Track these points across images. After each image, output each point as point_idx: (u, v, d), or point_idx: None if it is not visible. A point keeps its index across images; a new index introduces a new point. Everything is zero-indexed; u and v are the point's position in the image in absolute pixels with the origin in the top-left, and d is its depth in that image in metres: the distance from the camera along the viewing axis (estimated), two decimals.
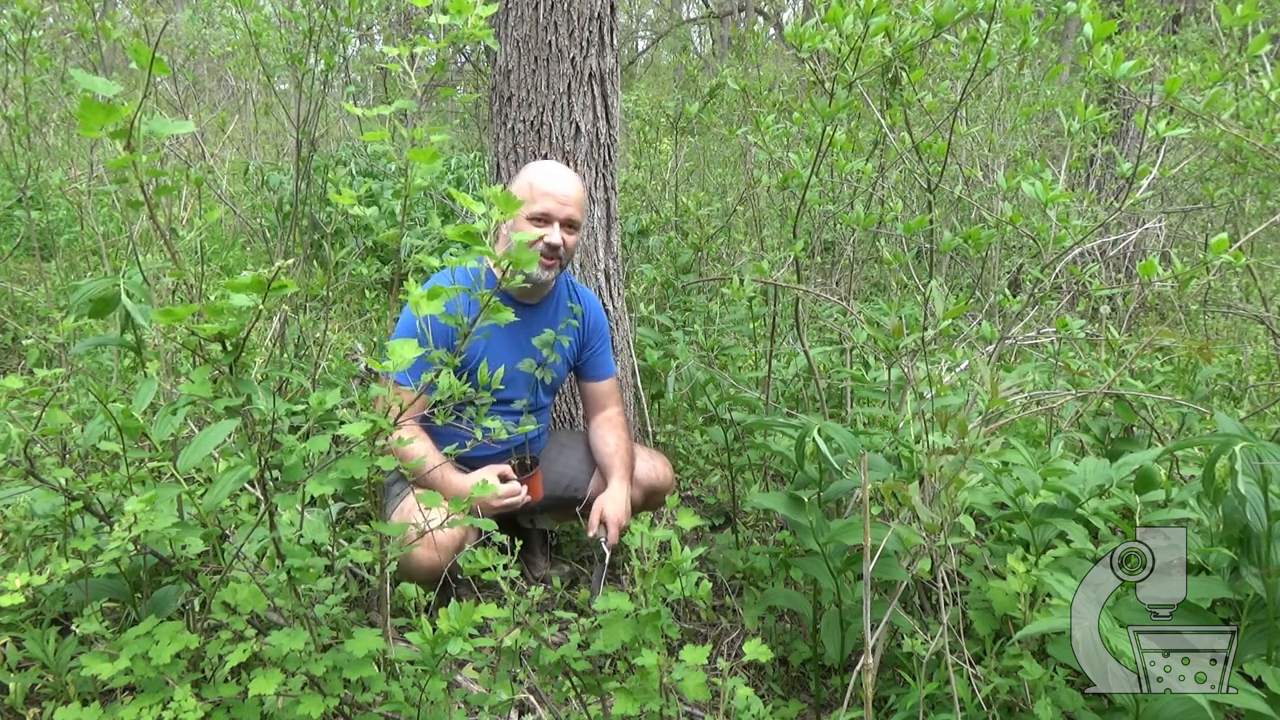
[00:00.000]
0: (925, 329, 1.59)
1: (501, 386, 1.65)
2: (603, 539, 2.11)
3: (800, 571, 2.05)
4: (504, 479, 2.02)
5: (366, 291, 4.29)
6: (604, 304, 2.52)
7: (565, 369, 2.27)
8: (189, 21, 4.86)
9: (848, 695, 1.42)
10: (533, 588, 1.43)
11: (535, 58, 2.42)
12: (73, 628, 1.51)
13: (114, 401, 1.33)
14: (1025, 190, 1.99)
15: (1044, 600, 1.45)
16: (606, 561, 2.11)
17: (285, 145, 6.70)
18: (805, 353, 2.48)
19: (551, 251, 2.05)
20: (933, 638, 1.43)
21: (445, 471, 2.00)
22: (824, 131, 2.17)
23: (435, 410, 1.32)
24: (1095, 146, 4.31)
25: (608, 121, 2.53)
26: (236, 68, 4.68)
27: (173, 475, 1.36)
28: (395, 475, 2.09)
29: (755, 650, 1.31)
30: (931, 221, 2.20)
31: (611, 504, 2.13)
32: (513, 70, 2.46)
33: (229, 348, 1.15)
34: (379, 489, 1.45)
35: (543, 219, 2.04)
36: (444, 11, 1.23)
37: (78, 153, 4.87)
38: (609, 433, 2.27)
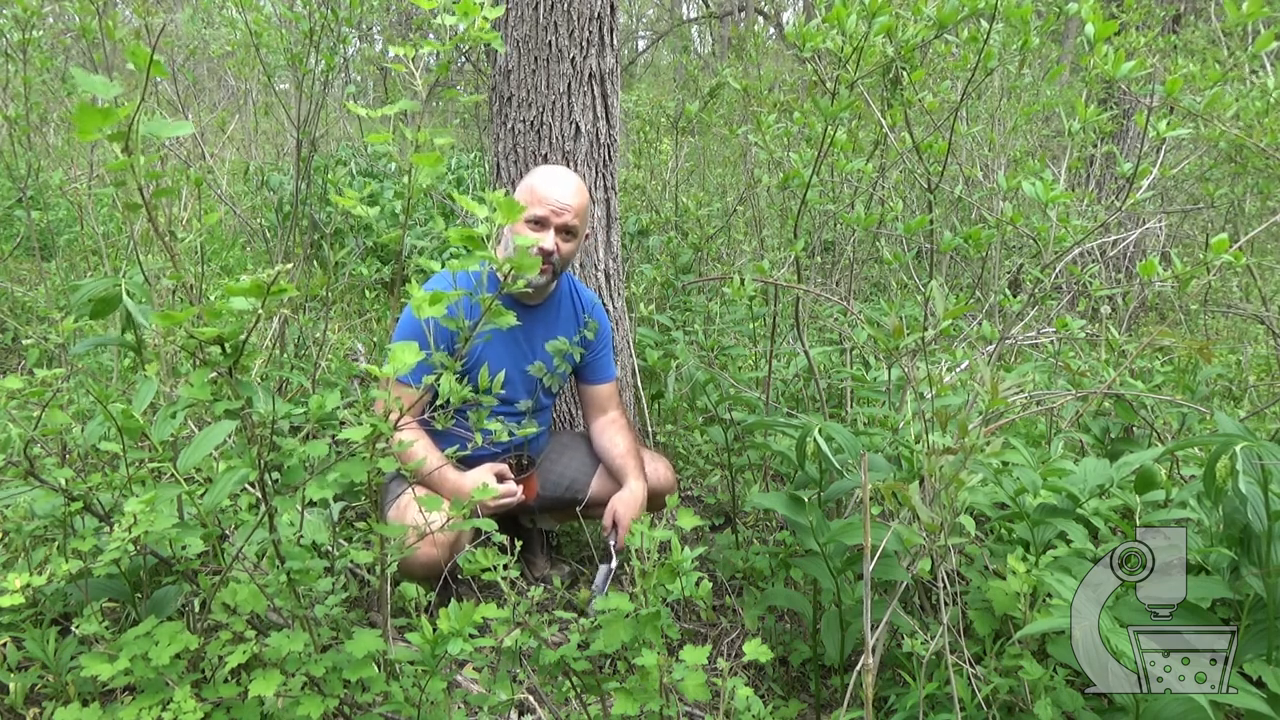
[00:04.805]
0: (925, 329, 1.59)
1: (501, 389, 1.65)
2: (612, 541, 2.10)
3: (800, 571, 2.05)
4: (500, 478, 2.02)
5: (366, 291, 4.29)
6: (604, 304, 2.53)
7: (566, 372, 2.27)
8: (189, 21, 4.86)
9: (848, 695, 1.42)
10: (533, 588, 1.43)
11: (535, 58, 2.42)
12: (73, 628, 1.51)
13: (114, 402, 1.33)
14: (1025, 190, 1.99)
15: (1044, 600, 1.45)
16: (614, 564, 2.10)
17: (285, 145, 6.70)
18: (805, 353, 2.48)
19: (544, 257, 2.03)
20: (933, 638, 1.43)
21: (443, 470, 2.00)
22: (825, 131, 2.17)
23: (436, 414, 1.32)
24: (1095, 146, 4.31)
25: (608, 121, 2.53)
26: (236, 68, 4.68)
27: (173, 476, 1.35)
28: (392, 474, 2.08)
29: (755, 650, 1.31)
30: (931, 221, 2.20)
31: (625, 505, 2.12)
32: (513, 70, 2.46)
33: (228, 351, 1.15)
34: (378, 489, 1.45)
35: (539, 224, 2.03)
36: (449, 12, 1.22)
37: (78, 153, 4.87)
38: (617, 434, 2.27)
